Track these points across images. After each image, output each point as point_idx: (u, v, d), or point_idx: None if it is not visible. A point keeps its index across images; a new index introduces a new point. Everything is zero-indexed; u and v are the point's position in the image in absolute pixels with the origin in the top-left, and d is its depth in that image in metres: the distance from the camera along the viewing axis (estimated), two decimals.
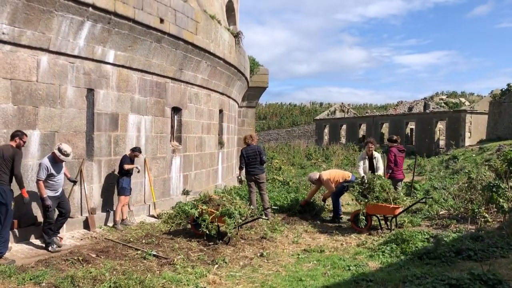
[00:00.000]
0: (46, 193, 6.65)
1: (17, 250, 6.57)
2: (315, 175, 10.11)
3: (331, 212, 10.01)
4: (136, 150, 8.65)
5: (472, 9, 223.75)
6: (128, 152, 8.68)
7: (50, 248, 6.67)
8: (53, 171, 6.67)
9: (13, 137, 6.55)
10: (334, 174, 9.92)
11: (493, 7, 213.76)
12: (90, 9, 7.32)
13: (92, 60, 7.97)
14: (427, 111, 35.70)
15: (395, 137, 10.59)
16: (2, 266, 5.63)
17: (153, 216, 9.43)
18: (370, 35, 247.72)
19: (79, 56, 7.68)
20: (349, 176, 9.78)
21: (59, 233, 7.08)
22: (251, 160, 9.64)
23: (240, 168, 9.97)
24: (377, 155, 9.77)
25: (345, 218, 9.77)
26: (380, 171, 9.53)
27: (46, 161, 6.66)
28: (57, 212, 6.97)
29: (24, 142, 6.63)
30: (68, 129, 7.67)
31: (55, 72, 7.37)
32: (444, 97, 45.70)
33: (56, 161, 6.71)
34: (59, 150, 6.65)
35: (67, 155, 6.68)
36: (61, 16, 6.98)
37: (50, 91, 7.31)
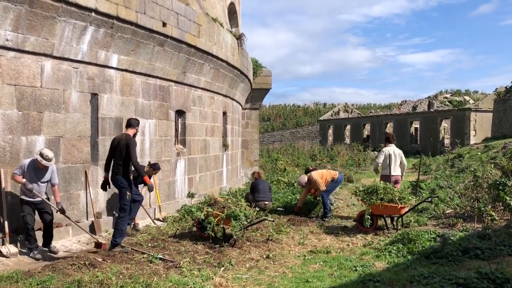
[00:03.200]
0: (22, 197, 6.55)
1: (23, 255, 6.58)
2: (304, 178, 10.32)
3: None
4: (156, 168, 8.77)
5: (476, 8, 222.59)
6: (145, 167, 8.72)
7: (30, 254, 6.52)
8: (30, 174, 6.45)
9: (131, 125, 6.98)
10: (322, 173, 10.08)
11: (497, 5, 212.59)
12: (93, 14, 7.34)
13: (96, 64, 8.00)
14: (431, 110, 35.59)
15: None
16: (9, 271, 5.65)
17: (158, 220, 9.43)
18: (374, 35, 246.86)
19: (83, 61, 7.71)
20: (336, 175, 10.02)
21: (49, 244, 6.78)
22: (260, 188, 10.30)
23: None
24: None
25: (351, 218, 9.75)
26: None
27: (25, 162, 6.55)
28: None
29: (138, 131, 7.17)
30: (73, 134, 7.70)
31: (59, 77, 7.40)
32: (448, 95, 45.49)
33: (37, 167, 6.48)
34: (41, 154, 6.41)
35: (48, 159, 6.44)
36: (64, 22, 7.01)
37: (54, 97, 7.34)
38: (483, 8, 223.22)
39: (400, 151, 9.97)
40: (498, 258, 6.09)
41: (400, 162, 9.77)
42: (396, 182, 9.53)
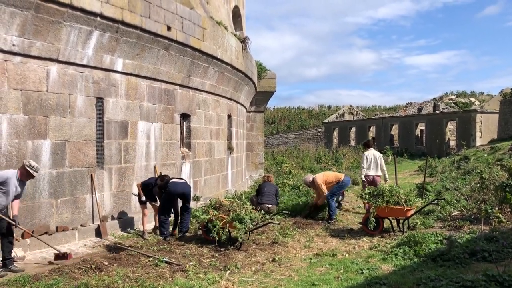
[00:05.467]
0: None
1: (30, 259, 6.61)
2: (309, 177, 10.42)
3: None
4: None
5: (482, 9, 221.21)
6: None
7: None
8: (8, 189, 6.01)
9: None
10: (327, 176, 10.13)
11: (503, 6, 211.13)
12: (98, 18, 7.39)
13: (101, 69, 8.04)
14: (437, 111, 35.44)
15: None
16: (17, 276, 5.69)
17: None
18: (380, 37, 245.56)
19: (88, 65, 7.75)
20: (341, 177, 9.97)
21: (10, 258, 6.14)
22: (264, 191, 10.35)
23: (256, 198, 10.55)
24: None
25: (356, 220, 9.72)
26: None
27: (7, 173, 6.08)
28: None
29: None
30: (79, 137, 7.74)
31: (65, 81, 7.44)
32: (453, 97, 45.33)
33: (19, 179, 6.12)
34: (31, 166, 6.07)
35: (37, 170, 6.18)
36: (69, 26, 7.06)
37: (60, 101, 7.38)
38: (489, 9, 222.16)
39: (380, 154, 10.94)
40: (505, 261, 6.05)
41: (380, 164, 10.69)
42: (375, 182, 10.46)
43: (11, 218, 6.17)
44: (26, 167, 6.08)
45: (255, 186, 14.12)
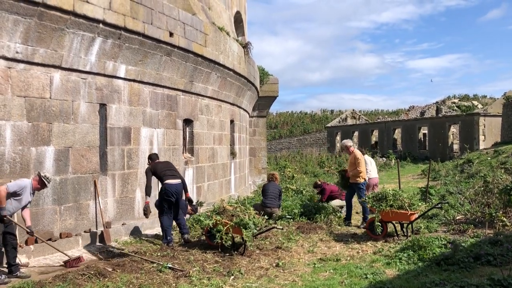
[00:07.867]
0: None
1: (34, 265, 6.62)
2: (349, 142, 10.63)
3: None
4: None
5: (485, 13, 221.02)
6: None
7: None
8: (23, 197, 6.13)
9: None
10: (363, 160, 10.17)
11: (506, 10, 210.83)
12: (101, 25, 7.43)
13: (104, 75, 8.07)
14: (440, 115, 35.38)
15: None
16: (21, 282, 5.69)
17: None
18: (383, 41, 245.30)
19: (91, 72, 7.79)
20: (364, 179, 10.01)
21: (15, 264, 6.14)
22: (268, 194, 10.25)
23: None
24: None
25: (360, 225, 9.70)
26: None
27: (25, 182, 6.22)
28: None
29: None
30: (82, 144, 7.76)
31: (68, 88, 7.47)
32: (456, 100, 45.25)
33: (33, 190, 6.30)
34: (47, 178, 6.27)
35: (50, 181, 6.38)
36: (72, 33, 7.10)
37: (63, 107, 7.41)
38: (492, 13, 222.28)
39: (372, 159, 12.39)
40: (510, 264, 6.03)
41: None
42: (376, 184, 11.49)
43: (26, 226, 6.31)
44: (42, 178, 6.26)
45: (258, 191, 14.12)
